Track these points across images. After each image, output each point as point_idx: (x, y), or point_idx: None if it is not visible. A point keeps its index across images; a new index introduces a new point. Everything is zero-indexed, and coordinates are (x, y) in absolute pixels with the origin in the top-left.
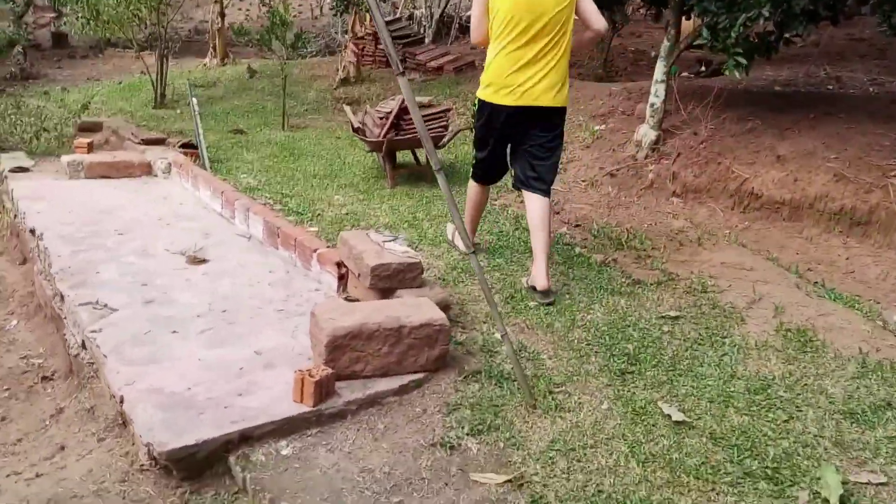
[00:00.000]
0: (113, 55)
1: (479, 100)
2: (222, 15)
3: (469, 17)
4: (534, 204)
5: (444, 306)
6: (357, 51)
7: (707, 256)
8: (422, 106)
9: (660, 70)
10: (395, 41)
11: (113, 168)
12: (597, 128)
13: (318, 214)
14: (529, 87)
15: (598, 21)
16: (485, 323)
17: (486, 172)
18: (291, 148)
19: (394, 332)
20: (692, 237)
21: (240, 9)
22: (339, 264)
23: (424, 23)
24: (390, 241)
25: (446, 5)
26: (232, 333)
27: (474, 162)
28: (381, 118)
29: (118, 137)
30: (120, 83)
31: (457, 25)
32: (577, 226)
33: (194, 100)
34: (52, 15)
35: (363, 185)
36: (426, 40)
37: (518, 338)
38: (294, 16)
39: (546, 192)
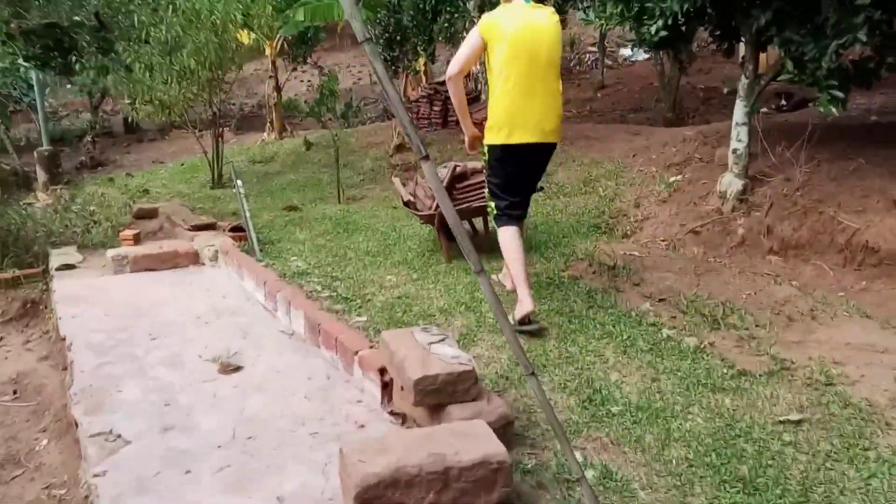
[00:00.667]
0: (178, 136)
1: (491, 145)
2: (278, 89)
3: None
4: (508, 234)
5: (506, 423)
6: (413, 113)
7: (825, 334)
8: (473, 172)
9: (740, 111)
10: (449, 101)
11: (158, 260)
12: (673, 179)
13: (368, 300)
14: (544, 125)
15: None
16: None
17: (515, 209)
18: (346, 223)
19: (439, 475)
20: (802, 308)
21: (301, 80)
22: (382, 371)
23: (481, 78)
24: (437, 341)
25: None
26: (253, 470)
27: (499, 207)
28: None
29: (171, 224)
30: (182, 165)
31: None
32: (662, 300)
33: (239, 182)
34: (128, 101)
35: (417, 262)
36: (482, 97)
37: (600, 458)
38: (354, 82)
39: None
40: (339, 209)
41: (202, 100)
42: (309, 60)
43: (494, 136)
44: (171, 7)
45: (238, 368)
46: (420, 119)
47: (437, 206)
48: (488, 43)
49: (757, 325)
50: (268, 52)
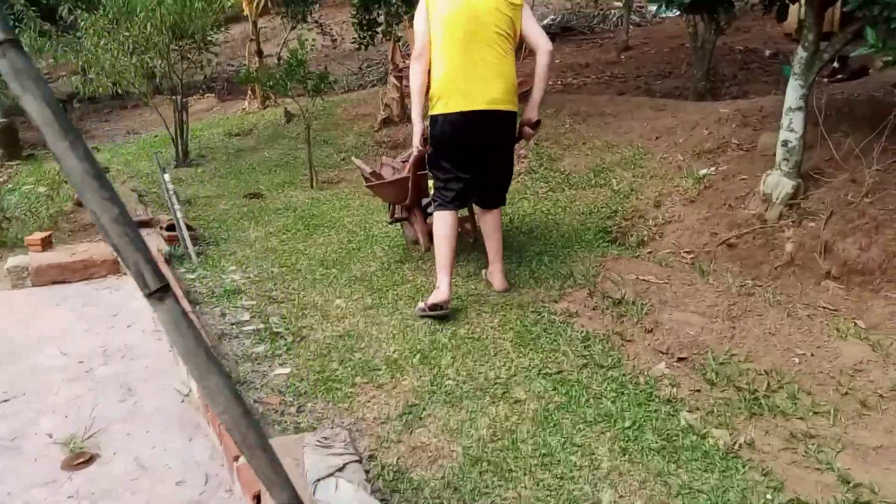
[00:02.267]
0: (162, 103)
1: (432, 116)
2: (259, 53)
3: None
4: (492, 217)
5: None
6: (399, 84)
7: None
8: None
9: (794, 92)
10: None
11: (68, 270)
12: (703, 172)
13: (303, 338)
14: (487, 93)
15: (542, 42)
16: None
17: (460, 194)
18: (310, 216)
19: None
20: (881, 384)
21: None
22: (257, 497)
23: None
24: (334, 472)
25: None
26: None
27: (435, 188)
28: (403, 160)
29: None
30: (156, 137)
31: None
32: (682, 359)
33: (166, 177)
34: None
35: (378, 278)
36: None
37: None
38: (335, 47)
39: (499, 200)
40: (309, 197)
41: (160, 69)
42: (310, 19)
43: (432, 106)
44: None
45: (91, 459)
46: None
47: (412, 170)
48: (430, 12)
49: (815, 412)
50: (246, 11)
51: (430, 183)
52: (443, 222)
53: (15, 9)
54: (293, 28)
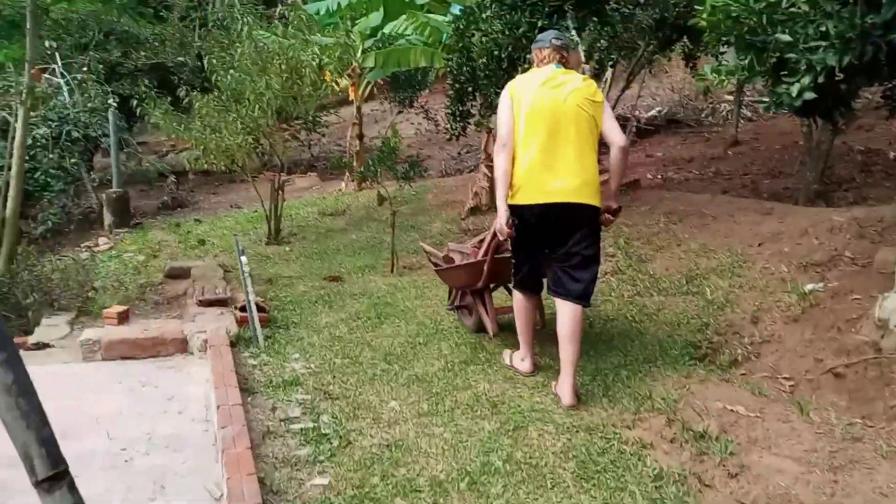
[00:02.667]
0: (265, 180)
1: (511, 206)
2: (360, 137)
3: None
4: (567, 313)
5: None
6: (490, 174)
7: None
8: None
9: None
10: None
11: (138, 346)
12: (810, 287)
13: (349, 443)
14: (565, 184)
15: (618, 138)
16: None
17: (526, 280)
18: (384, 304)
19: None
20: None
21: (411, 123)
22: None
23: None
24: None
25: (615, 105)
26: None
27: (514, 274)
28: (474, 246)
29: (199, 290)
30: (255, 212)
31: (633, 129)
32: None
33: (243, 259)
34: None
35: (440, 378)
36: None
37: None
38: (438, 132)
39: (577, 300)
40: (387, 283)
41: (263, 149)
42: (416, 104)
43: (513, 196)
44: (239, 50)
45: None
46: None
47: (486, 253)
48: (514, 101)
49: None
50: (351, 96)
51: None
52: (520, 305)
53: (141, 90)
54: (399, 112)
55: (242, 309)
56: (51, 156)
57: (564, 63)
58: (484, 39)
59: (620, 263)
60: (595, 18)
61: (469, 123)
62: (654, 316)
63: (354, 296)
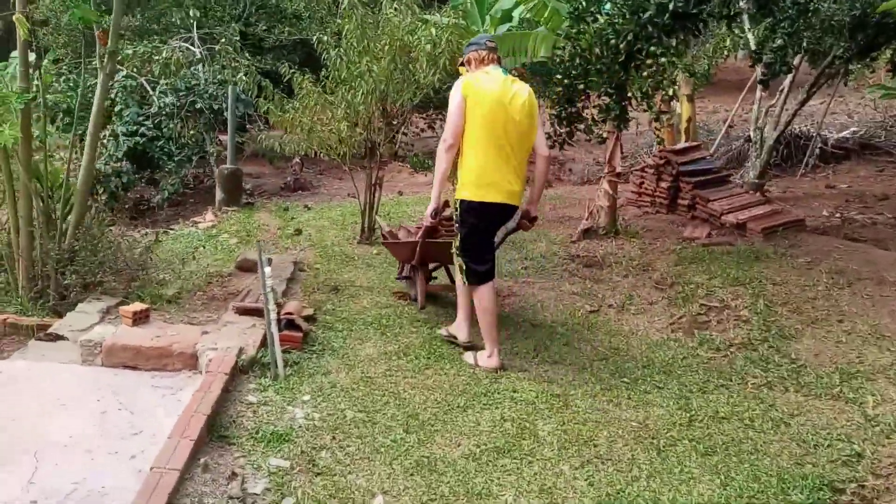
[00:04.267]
0: (394, 167)
1: (465, 201)
2: None
3: None
4: (491, 292)
5: None
6: (611, 192)
7: None
8: None
9: None
10: (685, 177)
11: (141, 356)
12: None
13: None
14: (512, 187)
15: (543, 148)
16: None
17: (489, 271)
18: (442, 339)
19: None
20: None
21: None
22: None
23: (752, 150)
24: None
25: (791, 120)
26: None
27: (469, 265)
28: (418, 227)
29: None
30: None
31: (816, 151)
32: None
33: (267, 270)
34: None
35: (457, 470)
36: (743, 177)
37: None
38: (589, 139)
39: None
40: None
41: (363, 138)
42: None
43: (465, 191)
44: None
45: None
46: (642, 196)
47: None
48: (467, 101)
49: None
50: None
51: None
52: (486, 293)
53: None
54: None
55: (288, 325)
56: (171, 125)
57: (500, 63)
58: (599, 25)
59: (753, 334)
60: (760, 8)
61: (578, 129)
62: (782, 425)
63: (417, 322)
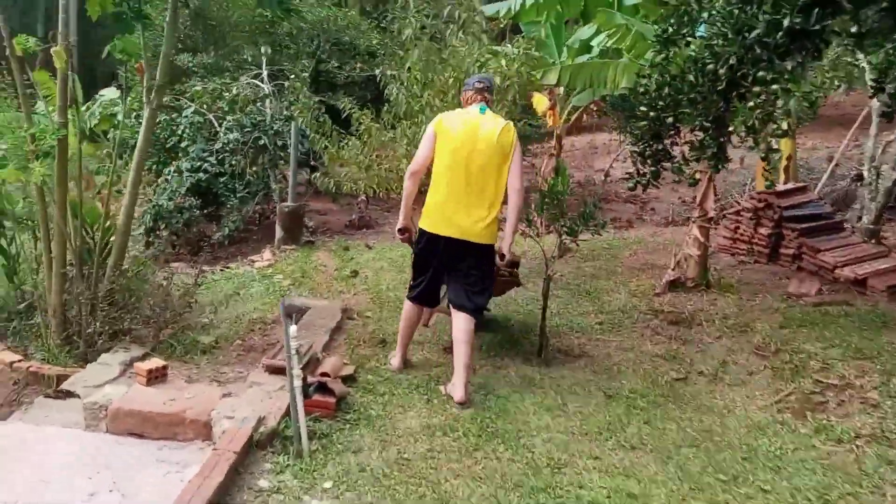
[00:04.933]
0: None
1: (420, 229)
2: (557, 171)
3: None
4: (462, 322)
5: None
6: (702, 238)
7: None
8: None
9: None
10: (789, 222)
11: (149, 423)
12: None
13: None
14: (463, 222)
15: (515, 183)
16: None
17: (422, 295)
18: (498, 412)
19: None
20: None
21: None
22: None
23: (867, 195)
24: None
25: None
26: None
27: (411, 284)
28: None
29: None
30: None
31: None
32: None
33: (292, 329)
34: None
35: None
36: (853, 225)
37: None
38: (680, 180)
39: (471, 312)
40: (521, 375)
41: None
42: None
43: (423, 221)
44: (415, 64)
45: None
46: (736, 242)
47: None
48: (437, 140)
49: None
50: (549, 122)
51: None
52: (407, 309)
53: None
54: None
55: (319, 389)
56: (234, 161)
57: (488, 103)
58: (694, 48)
59: (887, 424)
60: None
61: (664, 168)
62: None
63: (469, 387)
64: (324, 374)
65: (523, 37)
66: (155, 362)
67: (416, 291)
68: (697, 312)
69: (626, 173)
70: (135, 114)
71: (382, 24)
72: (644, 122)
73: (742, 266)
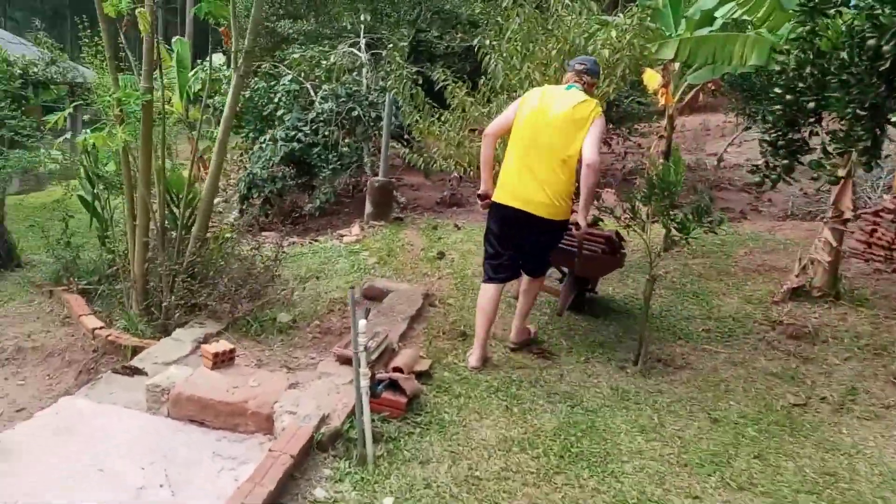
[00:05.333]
0: None
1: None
2: (666, 154)
3: None
4: (524, 280)
5: None
6: (835, 243)
7: None
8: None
9: None
10: None
11: (210, 410)
12: None
13: None
14: (526, 194)
15: (586, 155)
16: None
17: (491, 266)
18: (584, 428)
19: None
20: None
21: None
22: None
23: None
24: None
25: None
26: None
27: (484, 263)
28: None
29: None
30: None
31: None
32: None
33: (361, 323)
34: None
35: None
36: None
37: None
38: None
39: (534, 274)
40: (613, 387)
41: None
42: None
43: (495, 193)
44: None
45: None
46: (872, 248)
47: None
48: (519, 109)
49: None
50: (661, 101)
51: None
52: (482, 293)
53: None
54: (747, 129)
55: (390, 386)
56: (328, 131)
57: (587, 86)
58: (852, 19)
59: None
60: None
61: (800, 162)
62: None
63: (553, 396)
64: (396, 370)
65: (638, 5)
66: (223, 345)
67: (491, 271)
68: (823, 327)
69: (753, 165)
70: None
71: None
72: (778, 107)
73: (878, 276)
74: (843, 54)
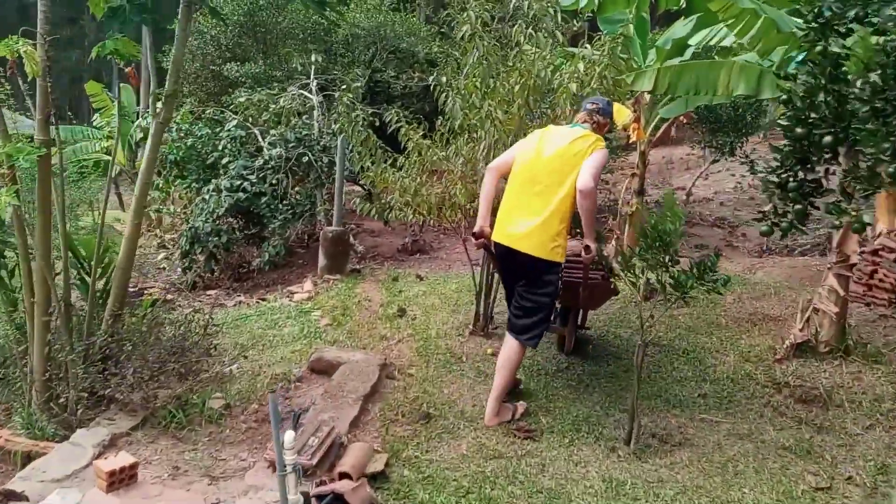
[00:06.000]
0: None
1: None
2: (640, 192)
3: None
4: (504, 345)
5: None
6: (841, 291)
7: None
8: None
9: None
10: None
11: None
12: None
13: None
14: (513, 230)
15: (579, 182)
16: None
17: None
18: None
19: None
20: None
21: (733, 174)
22: None
23: None
24: None
25: None
26: None
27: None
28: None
29: (333, 399)
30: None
31: None
32: None
33: (288, 435)
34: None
35: None
36: None
37: None
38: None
39: (515, 329)
40: (603, 475)
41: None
42: (739, 152)
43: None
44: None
45: None
46: (873, 290)
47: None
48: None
49: None
50: (633, 136)
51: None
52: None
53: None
54: (714, 161)
55: (336, 499)
56: (276, 179)
57: (596, 126)
58: (880, 37)
59: None
60: None
61: (814, 205)
62: None
63: (535, 496)
64: (343, 476)
65: (607, 34)
66: (122, 459)
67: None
68: (836, 389)
69: (760, 212)
70: (176, 127)
71: (443, 30)
72: (786, 142)
73: (886, 322)
74: (874, 77)
